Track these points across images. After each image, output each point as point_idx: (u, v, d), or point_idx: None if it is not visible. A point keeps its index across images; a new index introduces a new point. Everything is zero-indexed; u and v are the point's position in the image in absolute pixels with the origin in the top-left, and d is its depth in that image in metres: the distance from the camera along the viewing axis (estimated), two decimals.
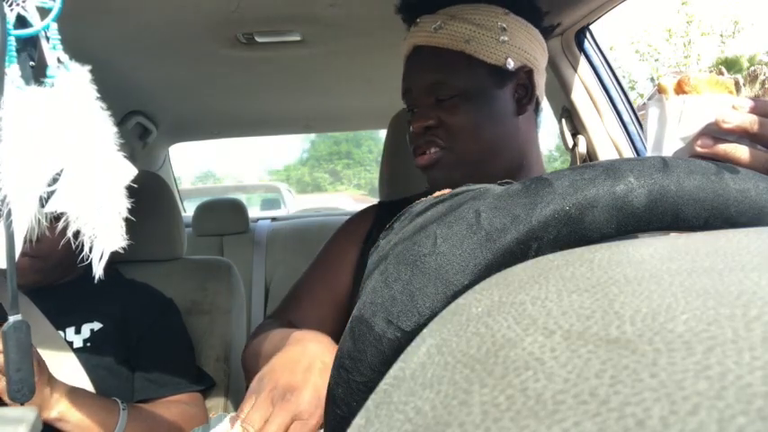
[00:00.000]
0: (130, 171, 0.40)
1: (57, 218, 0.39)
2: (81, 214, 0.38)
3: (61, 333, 1.03)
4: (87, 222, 0.38)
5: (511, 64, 0.80)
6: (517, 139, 0.84)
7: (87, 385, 0.98)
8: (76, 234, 0.38)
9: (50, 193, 0.38)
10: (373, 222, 0.92)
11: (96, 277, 0.38)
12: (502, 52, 0.79)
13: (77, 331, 1.05)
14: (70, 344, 1.02)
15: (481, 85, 0.80)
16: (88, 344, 1.04)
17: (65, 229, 0.39)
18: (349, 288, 0.88)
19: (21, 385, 0.39)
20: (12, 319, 0.39)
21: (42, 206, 0.38)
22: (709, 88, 0.52)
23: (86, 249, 0.38)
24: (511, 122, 0.83)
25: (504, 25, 0.80)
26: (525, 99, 0.84)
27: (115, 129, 0.41)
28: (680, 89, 0.53)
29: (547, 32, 0.87)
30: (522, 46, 0.81)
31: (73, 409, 0.85)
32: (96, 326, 1.07)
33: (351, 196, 12.50)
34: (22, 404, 0.38)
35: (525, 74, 0.83)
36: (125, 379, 1.06)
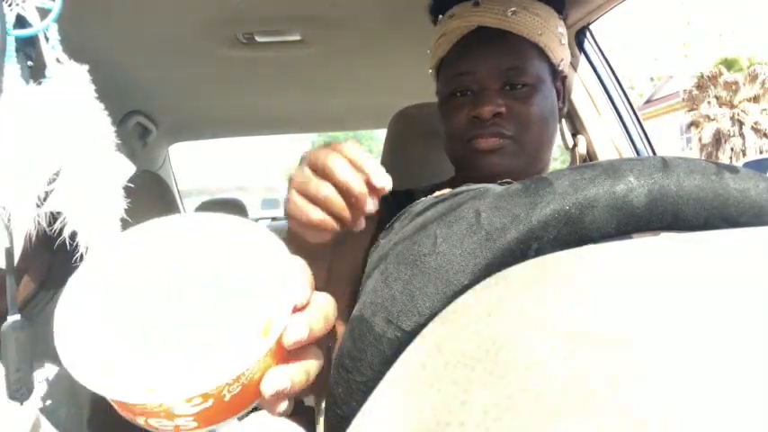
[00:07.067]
0: (129, 170, 0.40)
1: (54, 218, 0.39)
2: (78, 214, 0.38)
3: None
4: (84, 222, 0.38)
5: (563, 66, 0.85)
6: (555, 136, 0.88)
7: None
8: (73, 235, 0.38)
9: (48, 193, 0.38)
10: (379, 215, 0.92)
11: None
12: (561, 53, 0.84)
13: None
14: None
15: (546, 79, 0.83)
16: None
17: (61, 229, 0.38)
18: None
19: (19, 385, 0.39)
20: (11, 318, 0.39)
21: (39, 206, 0.38)
22: None
23: (83, 250, 0.38)
24: (557, 120, 0.87)
25: (562, 30, 0.84)
26: (560, 102, 0.87)
27: (114, 129, 0.41)
28: None
29: None
30: (567, 54, 0.86)
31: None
32: None
33: None
34: (21, 404, 0.38)
35: (562, 79, 0.87)
36: None
